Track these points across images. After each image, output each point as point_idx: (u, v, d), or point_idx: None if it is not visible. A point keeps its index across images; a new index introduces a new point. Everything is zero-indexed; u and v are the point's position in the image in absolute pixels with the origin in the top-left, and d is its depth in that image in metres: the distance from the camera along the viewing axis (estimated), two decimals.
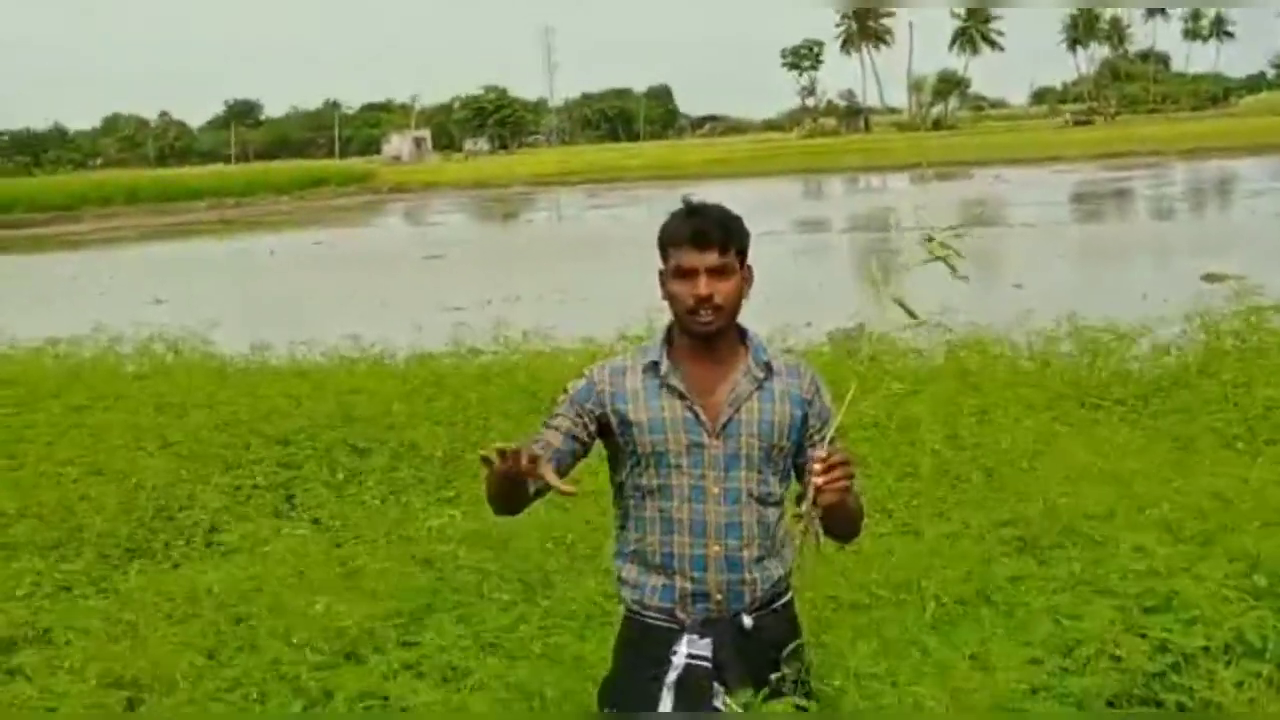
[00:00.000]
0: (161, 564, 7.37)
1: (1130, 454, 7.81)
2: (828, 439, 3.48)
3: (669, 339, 3.62)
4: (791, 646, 3.61)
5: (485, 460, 3.22)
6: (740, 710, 3.41)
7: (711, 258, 3.47)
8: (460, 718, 4.65)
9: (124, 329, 15.38)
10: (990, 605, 5.29)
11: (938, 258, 3.44)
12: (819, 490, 3.30)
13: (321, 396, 10.99)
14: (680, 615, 3.55)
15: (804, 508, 3.36)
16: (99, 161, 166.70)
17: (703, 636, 3.52)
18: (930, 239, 3.47)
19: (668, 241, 3.54)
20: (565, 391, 3.64)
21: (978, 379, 10.40)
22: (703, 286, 3.46)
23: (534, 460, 3.23)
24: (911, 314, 3.47)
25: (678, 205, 3.60)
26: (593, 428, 3.57)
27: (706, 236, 3.48)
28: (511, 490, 3.42)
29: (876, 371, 10.77)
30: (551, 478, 3.29)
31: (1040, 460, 7.68)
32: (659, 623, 3.57)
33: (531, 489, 3.45)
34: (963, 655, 4.43)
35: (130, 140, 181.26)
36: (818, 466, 3.30)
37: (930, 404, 9.29)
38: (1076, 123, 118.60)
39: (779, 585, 3.63)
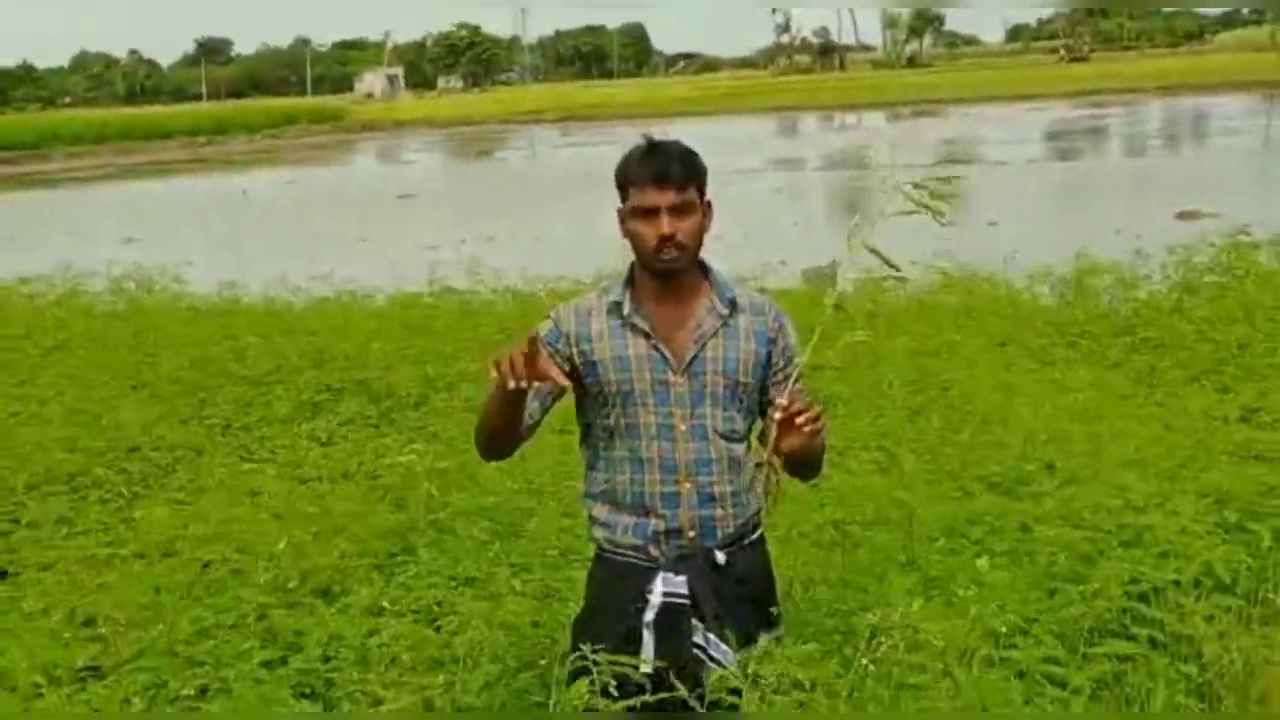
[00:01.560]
0: (132, 504, 7.34)
1: (1103, 391, 7.85)
2: (792, 381, 3.49)
3: (631, 279, 3.60)
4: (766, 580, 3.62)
5: (498, 367, 3.22)
6: (727, 648, 3.42)
7: (672, 196, 3.45)
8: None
9: (95, 268, 15.29)
10: (962, 539, 5.32)
11: (923, 206, 3.41)
12: (779, 437, 3.32)
13: (295, 337, 10.98)
14: (654, 552, 3.55)
15: (765, 455, 3.37)
16: (68, 100, 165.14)
17: (678, 574, 3.52)
18: (915, 185, 3.44)
19: (627, 181, 3.51)
20: (536, 334, 3.62)
21: (952, 316, 10.43)
22: (665, 225, 3.44)
23: (535, 349, 3.21)
24: (889, 263, 3.45)
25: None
26: (565, 368, 3.57)
27: (667, 175, 3.45)
28: (511, 413, 3.42)
29: (851, 310, 10.78)
30: (555, 374, 3.28)
31: (1014, 398, 7.69)
32: (632, 560, 3.58)
33: (526, 418, 3.48)
34: (958, 586, 4.47)
35: (99, 78, 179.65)
36: (778, 415, 3.31)
37: (904, 342, 9.31)
38: (1073, 58, 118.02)
39: (750, 520, 3.64)
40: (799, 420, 3.31)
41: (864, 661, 3.68)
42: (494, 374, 3.27)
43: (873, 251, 3.42)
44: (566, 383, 3.39)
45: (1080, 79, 79.13)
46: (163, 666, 4.77)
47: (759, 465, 3.45)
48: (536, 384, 3.40)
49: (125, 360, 10.61)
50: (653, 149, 3.51)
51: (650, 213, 3.46)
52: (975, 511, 5.58)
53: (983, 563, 4.54)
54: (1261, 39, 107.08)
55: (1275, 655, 4.47)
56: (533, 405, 3.53)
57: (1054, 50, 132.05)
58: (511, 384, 3.22)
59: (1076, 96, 68.36)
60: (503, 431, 3.53)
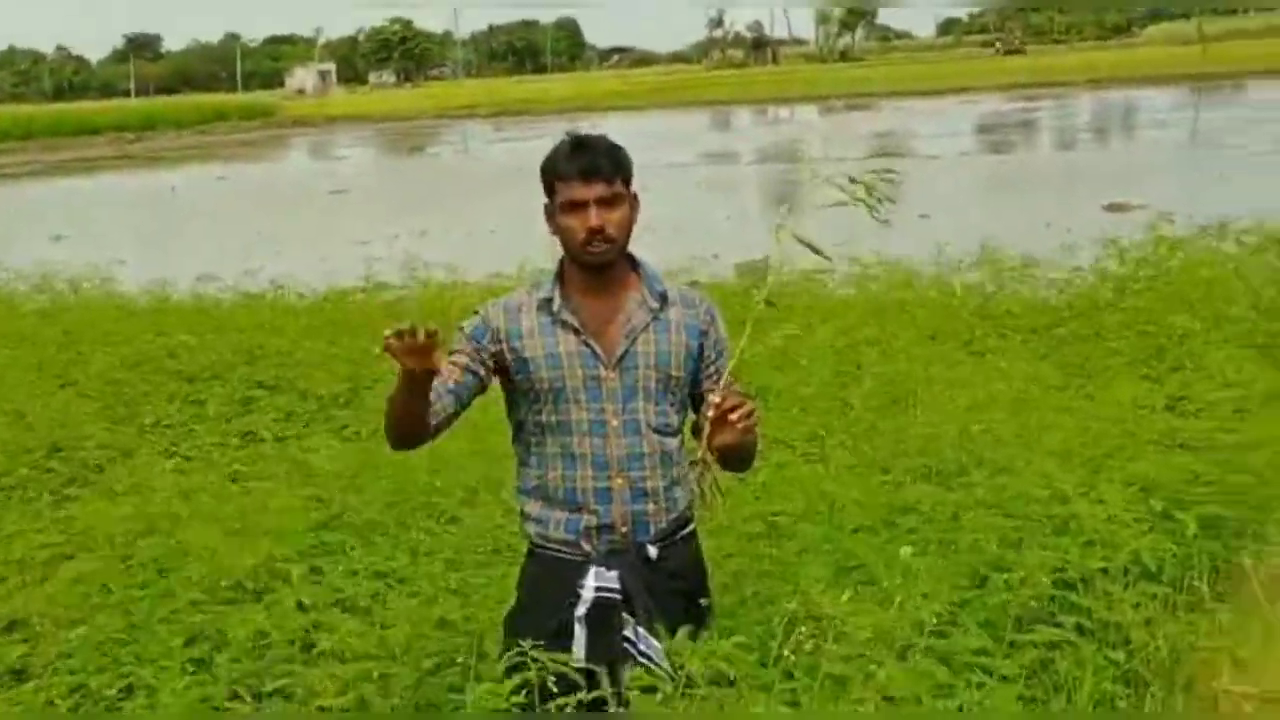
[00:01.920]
0: (57, 503, 7.26)
1: (1033, 381, 7.91)
2: (724, 375, 3.51)
3: (561, 275, 3.61)
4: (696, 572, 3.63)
5: (388, 348, 3.22)
6: (656, 643, 3.43)
7: (600, 188, 3.46)
8: None
9: (23, 266, 15.12)
10: (893, 530, 5.34)
11: (857, 200, 3.43)
12: (713, 434, 3.33)
13: (225, 334, 10.90)
14: (586, 548, 3.55)
15: (699, 453, 3.39)
16: None
17: (609, 569, 3.53)
18: (852, 180, 3.45)
19: (554, 176, 3.52)
20: (461, 329, 3.63)
21: (883, 308, 10.49)
22: (594, 218, 3.45)
23: (430, 336, 3.20)
24: (819, 252, 3.47)
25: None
26: (490, 364, 3.57)
27: (594, 169, 3.47)
28: (411, 401, 3.40)
29: (782, 304, 10.82)
30: (443, 361, 3.31)
31: (945, 388, 7.74)
32: (565, 555, 3.58)
33: (438, 410, 3.48)
34: (883, 576, 4.49)
35: (26, 75, 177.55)
36: (711, 413, 3.33)
37: (834, 334, 9.35)
38: (1008, 51, 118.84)
39: (682, 515, 3.64)
40: (732, 417, 3.32)
41: (786, 653, 3.68)
42: (386, 353, 3.25)
43: (800, 241, 3.43)
44: (458, 375, 3.44)
45: (1011, 72, 79.76)
46: (88, 666, 4.72)
47: (694, 464, 3.46)
48: (451, 379, 3.41)
49: (53, 359, 10.50)
50: (578, 144, 3.52)
51: (578, 206, 3.46)
52: (906, 501, 5.61)
53: (905, 550, 4.55)
54: (1189, 33, 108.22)
55: (1200, 641, 4.52)
56: (446, 399, 3.51)
57: (989, 44, 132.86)
58: (405, 364, 3.24)
59: (1007, 90, 68.89)
60: (405, 419, 3.49)
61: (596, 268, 3.53)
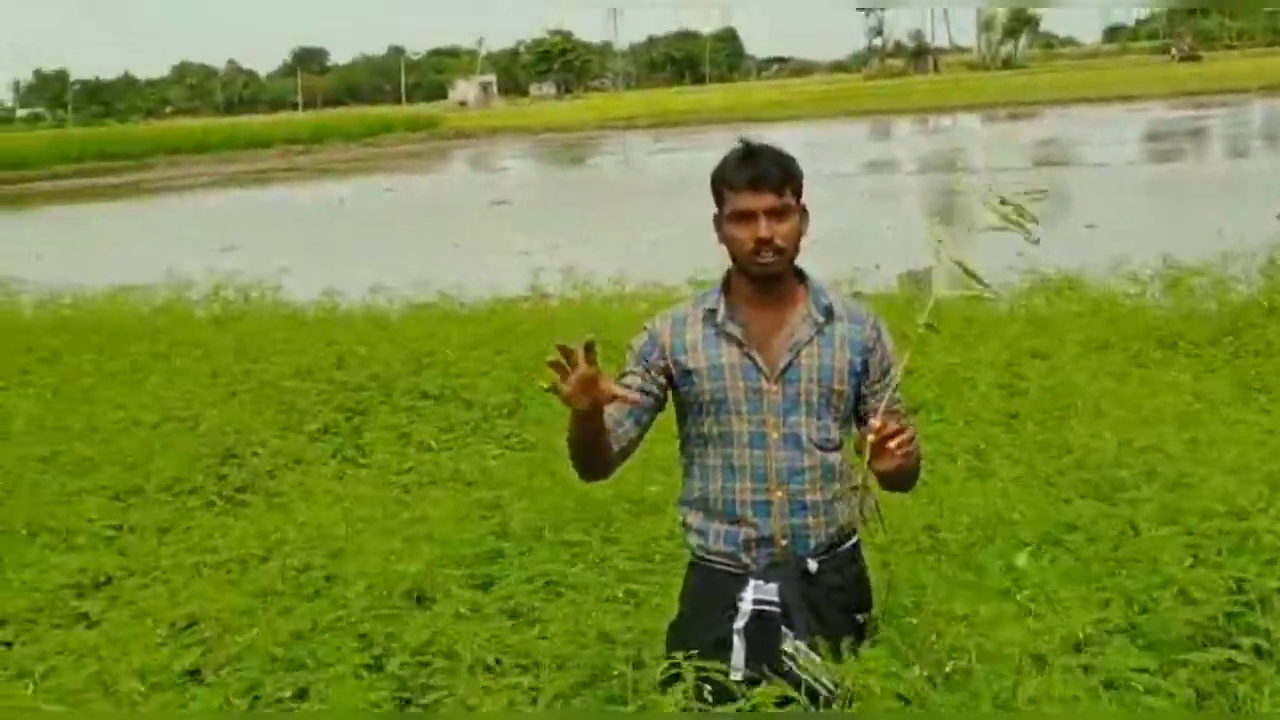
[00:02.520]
0: (232, 510, 7.45)
1: (1202, 395, 7.72)
2: (888, 395, 3.47)
3: (727, 285, 3.61)
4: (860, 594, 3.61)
5: (554, 390, 3.25)
6: (815, 657, 3.41)
7: (769, 199, 3.45)
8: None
9: (196, 276, 15.52)
10: (1062, 547, 5.25)
11: (1011, 222, 3.37)
12: (872, 459, 3.29)
13: (394, 344, 11.06)
14: (745, 560, 3.55)
15: (858, 479, 3.36)
16: (169, 110, 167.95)
17: (768, 581, 3.52)
18: (1003, 202, 3.40)
19: (723, 185, 3.51)
20: (630, 348, 3.64)
21: (1048, 320, 10.32)
22: (763, 228, 3.44)
23: (589, 350, 3.23)
24: (977, 279, 3.40)
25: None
26: (662, 380, 3.58)
27: (764, 178, 3.45)
28: (588, 431, 3.40)
29: (946, 314, 10.70)
30: (615, 388, 3.32)
31: (1111, 402, 7.60)
32: (725, 568, 3.58)
33: (620, 437, 3.51)
34: (1039, 595, 4.41)
35: (199, 89, 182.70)
36: (872, 438, 3.29)
37: (999, 347, 9.22)
38: (1183, 58, 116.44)
39: (843, 529, 3.62)
40: (891, 444, 3.29)
41: (923, 672, 3.62)
42: (550, 390, 3.27)
43: (962, 269, 3.38)
44: (629, 396, 3.40)
45: (1179, 79, 78.00)
46: (261, 669, 4.84)
47: (854, 489, 3.43)
48: (629, 402, 3.43)
49: (225, 367, 10.75)
50: (749, 154, 3.51)
51: (747, 216, 3.46)
52: (1074, 517, 5.51)
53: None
54: None
55: None
56: (626, 423, 3.53)
57: (1163, 49, 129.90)
58: (574, 405, 3.26)
59: (1175, 97, 67.39)
60: (587, 454, 3.52)
61: (763, 279, 3.52)
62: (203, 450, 8.41)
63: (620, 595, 5.23)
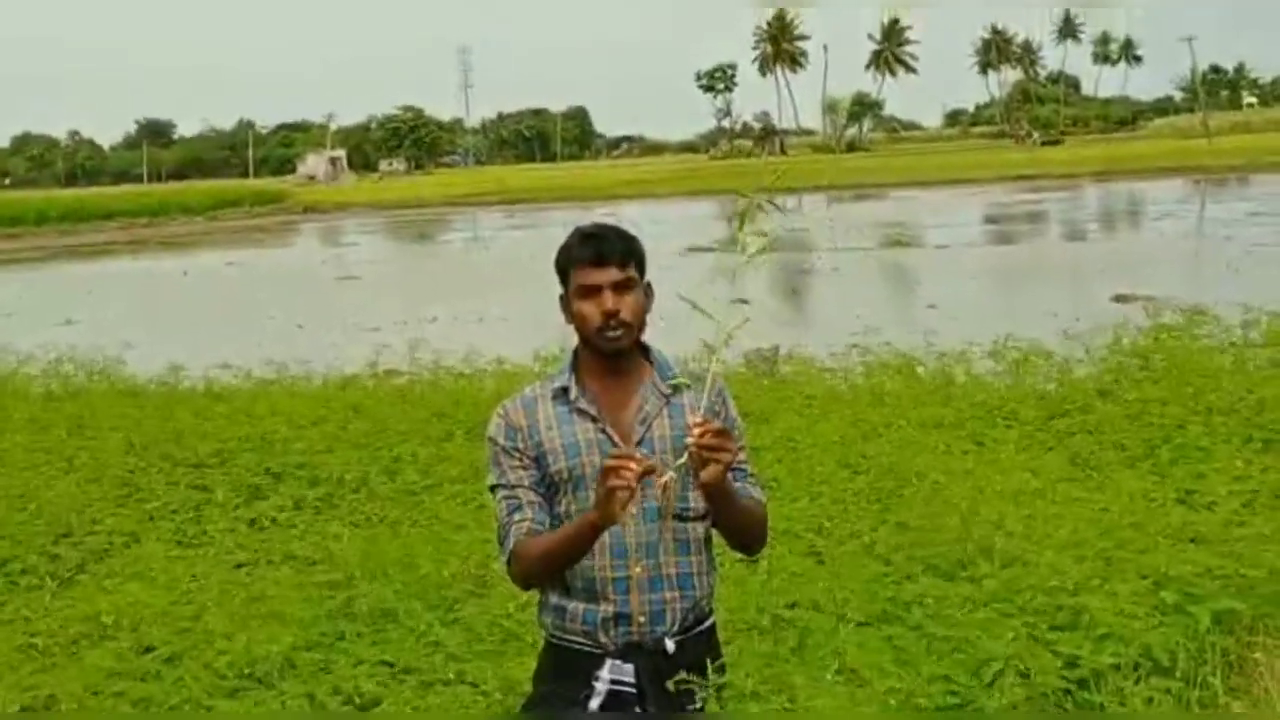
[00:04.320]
0: (66, 589, 7.26)
1: (1037, 473, 7.88)
2: (703, 407, 3.42)
3: (575, 364, 3.62)
4: (713, 665, 3.58)
5: (615, 490, 3.18)
6: None
7: (613, 273, 3.48)
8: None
9: (33, 350, 15.18)
10: (899, 624, 5.31)
11: (758, 250, 3.43)
12: (699, 465, 3.27)
13: (236, 420, 10.91)
14: (603, 640, 3.52)
15: (672, 466, 3.32)
16: (8, 182, 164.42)
17: (625, 661, 3.50)
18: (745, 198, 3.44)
19: (568, 264, 3.54)
20: (494, 443, 3.60)
21: (888, 398, 10.49)
22: (609, 301, 3.47)
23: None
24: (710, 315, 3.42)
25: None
26: (535, 465, 3.57)
27: (607, 254, 3.49)
28: (593, 540, 3.40)
29: (788, 391, 10.84)
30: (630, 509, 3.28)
31: (948, 479, 7.72)
32: (581, 648, 3.55)
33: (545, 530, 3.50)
34: (873, 671, 4.44)
35: (40, 160, 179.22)
36: (696, 431, 3.26)
37: (839, 424, 9.35)
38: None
39: (701, 605, 3.61)
40: (708, 439, 3.24)
41: None
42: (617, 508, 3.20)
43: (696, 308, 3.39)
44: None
45: (1015, 165, 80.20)
46: None
47: (665, 485, 3.38)
48: (535, 498, 3.50)
49: (61, 443, 10.51)
50: (591, 233, 3.54)
51: (593, 291, 3.47)
52: (912, 594, 5.58)
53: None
54: (1194, 125, 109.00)
55: None
56: (544, 518, 3.54)
57: (1019, 136, 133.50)
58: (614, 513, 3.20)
59: (1014, 181, 69.30)
60: (569, 563, 3.50)
61: (611, 354, 3.54)
62: (35, 529, 8.19)
63: (452, 677, 5.20)
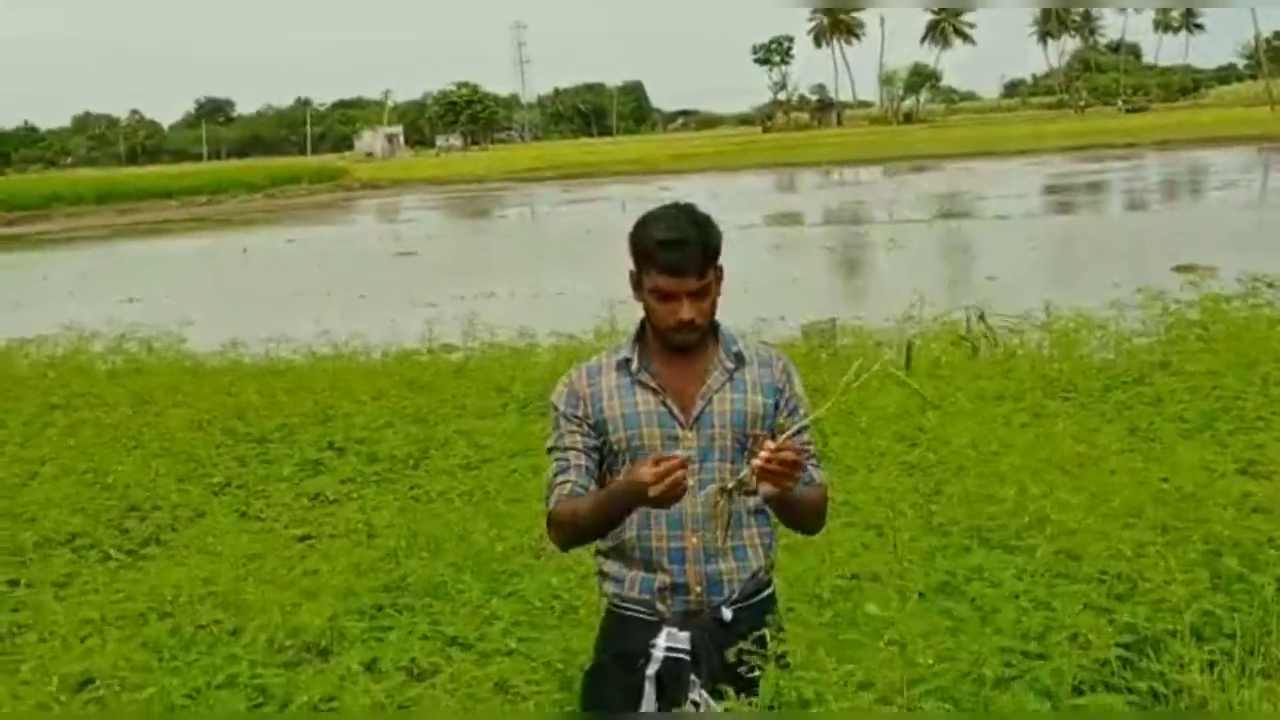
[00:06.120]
0: (132, 564, 7.35)
1: (1095, 445, 7.84)
2: (796, 427, 3.47)
3: (641, 336, 3.63)
4: (757, 635, 3.60)
5: (641, 482, 3.24)
6: (714, 704, 3.43)
7: (691, 283, 3.45)
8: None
9: (96, 327, 15.35)
10: (957, 596, 5.30)
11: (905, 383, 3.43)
12: (756, 473, 3.30)
13: (296, 395, 11.01)
14: (660, 608, 3.56)
15: (730, 484, 3.36)
16: (69, 161, 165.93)
17: (682, 629, 3.53)
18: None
19: (645, 257, 3.48)
20: (555, 407, 3.64)
21: (947, 372, 10.45)
22: (685, 311, 3.45)
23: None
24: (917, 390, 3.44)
25: (650, 202, 3.57)
26: (594, 432, 3.59)
27: (687, 265, 3.43)
28: (626, 511, 3.45)
29: (845, 366, 10.80)
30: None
31: (1007, 452, 7.68)
32: (639, 615, 3.58)
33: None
34: (929, 644, 4.44)
35: (101, 139, 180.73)
36: (764, 454, 3.29)
37: (897, 396, 9.32)
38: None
39: (758, 577, 3.63)
40: (773, 465, 3.27)
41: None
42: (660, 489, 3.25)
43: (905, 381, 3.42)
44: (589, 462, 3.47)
45: (1076, 134, 79.46)
46: None
47: (722, 490, 3.42)
48: (584, 463, 3.55)
49: (126, 419, 10.64)
50: (671, 239, 3.45)
51: (669, 296, 3.46)
52: (968, 566, 5.57)
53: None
54: (1257, 93, 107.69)
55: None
56: (590, 485, 3.58)
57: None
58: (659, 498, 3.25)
59: (1074, 151, 68.66)
60: (601, 531, 3.56)
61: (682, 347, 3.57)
62: (104, 504, 8.31)
63: (524, 648, 5.23)
